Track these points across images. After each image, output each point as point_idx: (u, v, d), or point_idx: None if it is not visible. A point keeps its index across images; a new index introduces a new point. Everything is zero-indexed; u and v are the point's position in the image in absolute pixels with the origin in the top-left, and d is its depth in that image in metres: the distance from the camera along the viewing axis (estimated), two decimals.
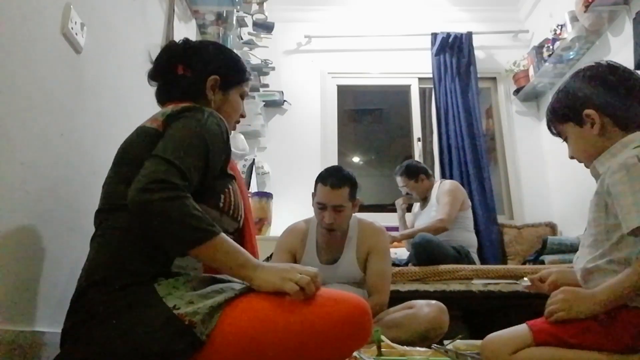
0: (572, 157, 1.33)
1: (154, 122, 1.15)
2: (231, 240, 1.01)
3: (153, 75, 1.31)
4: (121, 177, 1.09)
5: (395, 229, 3.20)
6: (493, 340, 1.20)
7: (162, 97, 1.29)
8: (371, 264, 2.05)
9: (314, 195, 2.08)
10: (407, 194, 3.25)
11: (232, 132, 1.30)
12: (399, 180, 3.22)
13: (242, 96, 1.35)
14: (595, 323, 1.11)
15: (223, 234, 0.99)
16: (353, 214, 2.13)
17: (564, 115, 1.29)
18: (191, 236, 0.96)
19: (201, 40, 1.36)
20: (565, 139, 1.32)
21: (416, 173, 3.18)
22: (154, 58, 1.33)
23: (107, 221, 1.07)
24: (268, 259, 2.42)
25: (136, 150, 1.11)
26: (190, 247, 0.97)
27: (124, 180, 1.08)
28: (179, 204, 0.96)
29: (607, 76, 1.24)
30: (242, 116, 1.38)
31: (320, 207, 2.00)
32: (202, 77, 1.26)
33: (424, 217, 3.13)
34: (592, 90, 1.24)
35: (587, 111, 1.23)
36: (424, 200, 3.21)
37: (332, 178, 1.99)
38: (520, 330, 1.18)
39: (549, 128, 1.37)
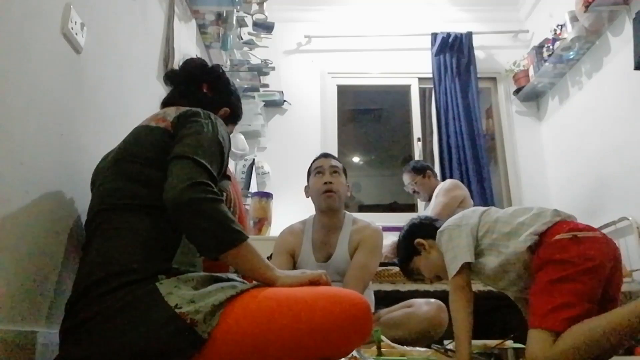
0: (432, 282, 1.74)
1: (160, 122, 1.17)
2: (251, 246, 1.06)
3: (175, 80, 1.39)
4: (123, 175, 1.10)
5: (396, 229, 3.19)
6: (528, 356, 1.29)
7: (173, 102, 1.33)
8: (356, 256, 2.00)
9: (307, 187, 2.18)
10: (414, 191, 3.25)
11: (232, 132, 1.35)
12: (406, 177, 3.23)
13: (230, 133, 1.45)
14: (544, 274, 1.37)
15: (248, 242, 1.04)
16: (348, 212, 2.16)
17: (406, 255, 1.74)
18: (230, 237, 1.00)
19: (226, 72, 1.50)
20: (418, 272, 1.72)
21: (423, 169, 3.22)
22: (182, 62, 1.42)
23: (107, 220, 1.07)
24: (268, 259, 2.42)
25: (141, 149, 1.13)
26: (228, 248, 1.00)
27: (127, 178, 1.09)
28: (221, 207, 1.01)
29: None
30: None
31: (318, 170, 2.11)
32: (218, 103, 1.37)
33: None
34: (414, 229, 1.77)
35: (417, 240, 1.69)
36: (429, 201, 3.21)
37: (323, 153, 2.23)
38: (535, 334, 1.29)
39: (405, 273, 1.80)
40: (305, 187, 2.21)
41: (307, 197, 2.20)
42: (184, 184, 0.98)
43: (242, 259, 1.03)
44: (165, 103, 1.35)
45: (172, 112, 1.19)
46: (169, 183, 1.01)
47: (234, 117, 1.46)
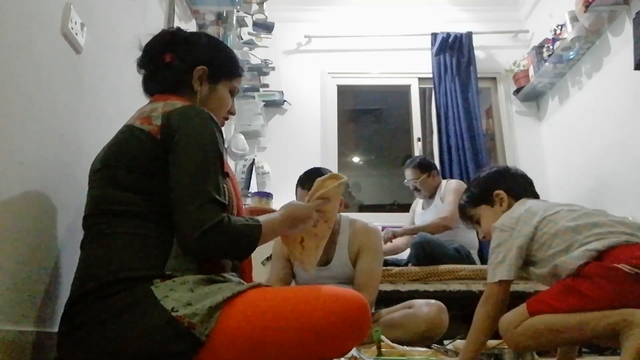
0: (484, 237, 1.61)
1: (144, 122, 1.10)
2: (264, 216, 1.13)
3: (141, 63, 1.28)
4: (111, 180, 1.08)
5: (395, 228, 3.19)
6: (502, 321, 1.31)
7: (149, 88, 1.27)
8: (361, 262, 2.04)
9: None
10: (415, 189, 3.17)
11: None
12: (410, 172, 3.14)
13: (232, 92, 1.32)
14: (575, 282, 1.24)
15: (263, 220, 1.10)
16: (344, 215, 2.14)
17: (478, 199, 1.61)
18: (252, 245, 1.07)
19: (194, 31, 1.34)
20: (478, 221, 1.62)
21: (429, 167, 3.13)
22: (142, 45, 1.30)
23: (98, 226, 1.06)
24: (268, 259, 2.42)
25: (128, 154, 1.08)
26: (253, 250, 1.08)
27: (115, 184, 1.07)
28: (232, 229, 1.03)
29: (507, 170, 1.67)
30: (232, 113, 1.35)
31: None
32: (189, 67, 1.23)
33: (427, 216, 3.10)
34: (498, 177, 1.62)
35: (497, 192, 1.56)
36: (430, 198, 3.17)
37: (301, 178, 2.05)
38: (520, 307, 1.30)
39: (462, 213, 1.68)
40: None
41: None
42: (196, 232, 0.99)
43: (263, 241, 1.10)
44: (145, 91, 1.28)
45: (159, 110, 1.12)
46: (182, 225, 1.01)
47: (222, 70, 1.28)
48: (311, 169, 2.11)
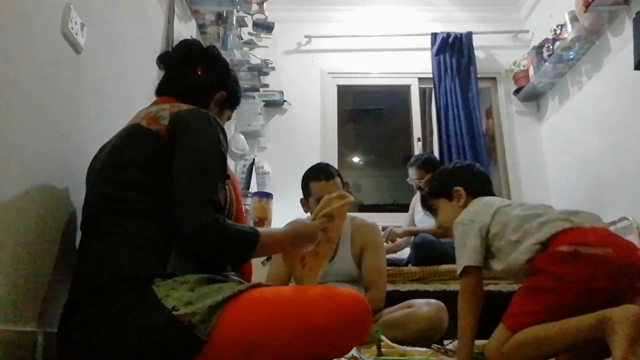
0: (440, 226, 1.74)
1: (151, 122, 1.12)
2: (267, 229, 1.10)
3: (168, 62, 1.32)
4: (116, 180, 1.08)
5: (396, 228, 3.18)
6: (486, 348, 1.37)
7: (165, 88, 1.30)
8: (366, 260, 2.07)
9: (305, 200, 2.09)
10: (419, 187, 3.12)
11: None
12: (414, 171, 3.10)
13: (228, 119, 1.42)
14: (533, 281, 1.34)
15: (262, 232, 1.08)
16: None
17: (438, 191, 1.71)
18: (245, 251, 1.06)
19: (224, 57, 1.41)
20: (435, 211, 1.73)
21: (435, 167, 3.03)
22: (175, 46, 1.35)
23: (99, 225, 1.06)
24: (268, 259, 2.42)
25: (134, 153, 1.10)
26: (247, 258, 1.10)
27: (118, 183, 1.07)
28: (229, 233, 1.04)
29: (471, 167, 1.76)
30: None
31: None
32: (214, 85, 1.30)
33: (428, 217, 3.09)
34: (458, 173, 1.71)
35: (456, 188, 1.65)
36: None
37: (322, 172, 2.05)
38: (498, 328, 1.35)
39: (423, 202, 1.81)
40: (302, 202, 2.13)
41: (306, 212, 2.12)
42: (191, 231, 1.01)
43: (262, 252, 1.11)
44: (159, 90, 1.30)
45: (166, 112, 1.14)
46: (178, 222, 1.02)
47: (231, 101, 1.38)
48: (321, 163, 2.15)
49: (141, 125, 1.13)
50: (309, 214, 2.09)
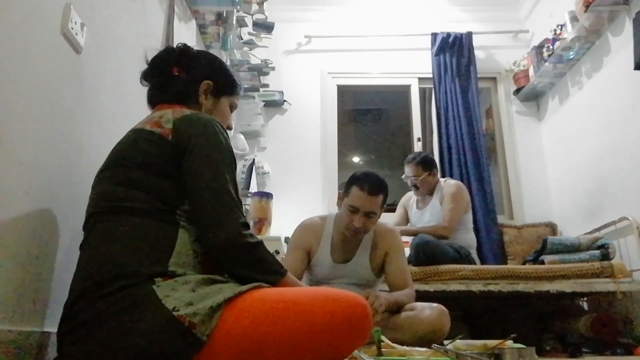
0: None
1: (155, 126, 1.14)
2: (292, 277, 1.17)
3: (147, 76, 1.34)
4: (118, 179, 1.09)
5: None
6: None
7: (155, 98, 1.31)
8: (392, 263, 2.08)
9: (343, 195, 2.05)
10: (414, 186, 3.10)
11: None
12: (411, 169, 3.07)
13: (232, 108, 1.41)
14: None
15: (288, 274, 1.15)
16: None
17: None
18: (272, 277, 1.10)
19: (200, 50, 1.43)
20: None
21: (431, 166, 3.09)
22: (149, 59, 1.36)
23: (99, 224, 1.06)
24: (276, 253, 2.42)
25: (137, 154, 1.11)
26: (268, 283, 1.09)
27: (119, 182, 1.08)
28: (264, 249, 1.12)
29: None
30: (229, 128, 1.41)
31: (352, 210, 1.96)
32: (196, 79, 1.31)
33: (425, 216, 3.09)
34: None
35: None
36: (427, 195, 3.14)
37: (371, 184, 1.95)
38: None
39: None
40: (340, 196, 2.10)
41: (338, 205, 2.11)
42: (233, 229, 1.06)
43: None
44: (150, 102, 1.32)
45: (168, 115, 1.16)
46: (216, 222, 1.06)
47: (224, 87, 1.36)
48: (375, 174, 2.02)
49: (145, 129, 1.15)
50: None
